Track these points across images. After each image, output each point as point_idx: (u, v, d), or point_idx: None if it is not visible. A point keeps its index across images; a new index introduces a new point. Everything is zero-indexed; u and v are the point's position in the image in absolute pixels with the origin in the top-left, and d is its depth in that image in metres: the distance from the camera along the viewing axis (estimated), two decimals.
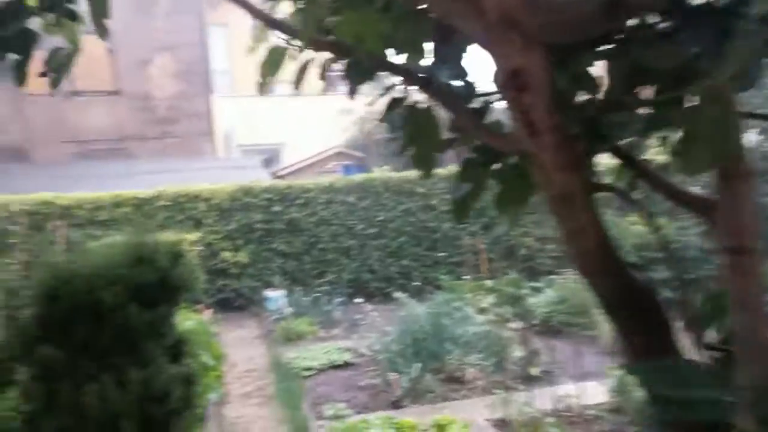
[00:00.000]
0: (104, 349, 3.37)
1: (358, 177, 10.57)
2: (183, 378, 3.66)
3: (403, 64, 1.98)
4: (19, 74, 3.11)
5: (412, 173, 10.09)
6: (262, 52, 2.14)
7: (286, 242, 9.63)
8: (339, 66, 2.07)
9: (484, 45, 1.48)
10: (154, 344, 3.63)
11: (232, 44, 21.28)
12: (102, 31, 3.22)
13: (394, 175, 10.42)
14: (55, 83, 3.17)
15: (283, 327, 7.38)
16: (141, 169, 13.36)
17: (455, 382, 5.31)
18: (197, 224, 9.34)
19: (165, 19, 16.97)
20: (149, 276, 3.67)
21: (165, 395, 3.44)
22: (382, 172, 10.99)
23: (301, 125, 20.09)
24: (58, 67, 3.13)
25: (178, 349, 3.82)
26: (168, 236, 4.22)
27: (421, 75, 1.93)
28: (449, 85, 1.92)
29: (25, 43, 3.02)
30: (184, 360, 3.81)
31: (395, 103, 2.08)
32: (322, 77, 2.14)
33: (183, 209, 9.44)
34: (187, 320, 4.43)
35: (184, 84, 17.50)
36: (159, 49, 16.96)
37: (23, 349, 3.18)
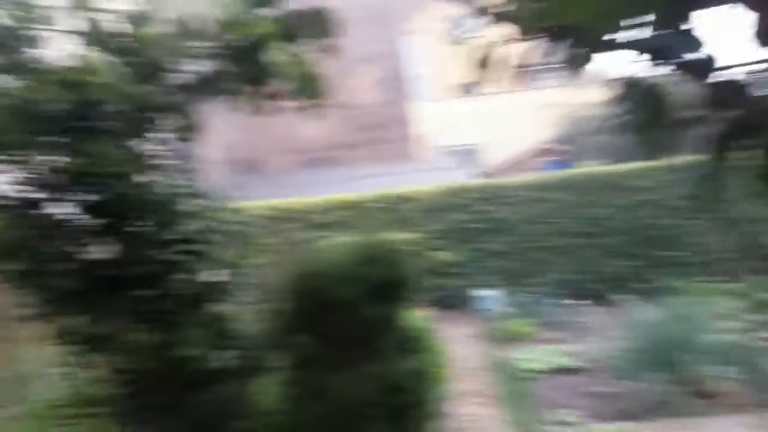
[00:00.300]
0: (345, 343, 3.54)
1: (567, 173, 10.08)
2: (413, 373, 3.72)
3: (635, 40, 1.78)
4: (255, 104, 3.37)
5: (626, 167, 9.38)
6: (463, 54, 2.06)
7: (495, 241, 9.49)
8: (537, 59, 1.93)
9: (756, 8, 1.26)
10: (385, 339, 3.73)
11: (429, 50, 21.75)
12: (330, 50, 3.38)
13: (606, 169, 9.76)
14: (299, 103, 3.37)
15: (499, 327, 7.26)
16: (352, 174, 14.15)
17: (700, 395, 4.74)
18: (407, 225, 9.58)
19: (364, 31, 17.82)
20: (379, 274, 3.77)
21: (398, 388, 3.52)
22: (591, 167, 10.38)
23: (500, 123, 19.90)
24: (303, 89, 3.34)
25: (407, 345, 3.89)
26: (392, 237, 4.33)
27: (657, 50, 1.71)
28: (685, 58, 1.70)
29: (265, 74, 3.28)
30: (414, 356, 3.86)
31: (629, 83, 1.88)
32: (520, 72, 2.02)
33: (393, 211, 9.78)
34: (411, 318, 4.52)
35: (386, 92, 18.25)
36: (361, 60, 17.87)
37: (280, 339, 3.46)
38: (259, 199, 9.46)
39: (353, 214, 9.71)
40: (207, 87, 3.12)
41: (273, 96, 3.34)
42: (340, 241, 4.39)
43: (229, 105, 3.27)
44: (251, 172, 16.57)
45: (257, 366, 3.59)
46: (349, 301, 3.48)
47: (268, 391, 3.56)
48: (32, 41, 2.64)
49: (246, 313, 3.75)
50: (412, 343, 3.89)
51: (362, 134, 17.68)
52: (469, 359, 6.58)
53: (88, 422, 3.35)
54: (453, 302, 9.09)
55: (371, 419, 3.19)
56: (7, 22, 2.55)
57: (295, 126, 17.08)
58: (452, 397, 5.09)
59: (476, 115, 20.26)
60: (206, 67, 3.08)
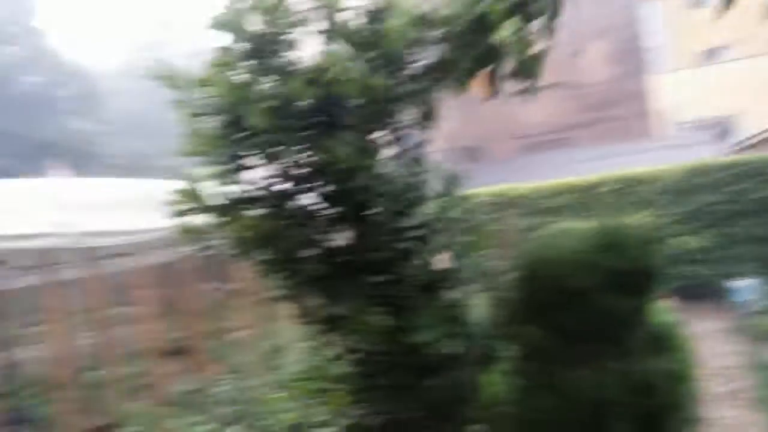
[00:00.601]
0: (581, 335, 3.32)
1: None
2: (666, 373, 3.36)
3: None
4: (484, 88, 3.26)
5: None
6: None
7: (753, 225, 8.30)
8: None
9: None
10: (631, 334, 3.43)
11: (668, 17, 19.74)
12: (551, 32, 3.16)
13: None
14: (529, 87, 3.20)
15: (757, 322, 6.35)
16: (581, 156, 13.46)
17: None
18: (646, 208, 8.83)
19: (596, 6, 16.73)
20: (620, 262, 3.47)
21: (649, 389, 3.20)
22: None
23: (756, 91, 17.32)
24: (530, 71, 3.18)
25: (657, 342, 3.53)
26: (633, 221, 3.96)
27: None
28: None
29: (494, 56, 3.17)
30: (664, 354, 3.49)
31: None
32: None
33: (629, 193, 9.08)
34: (657, 311, 4.10)
35: (618, 67, 17.00)
36: (591, 37, 16.84)
37: (509, 328, 3.37)
38: (483, 186, 9.45)
39: (584, 197, 9.24)
40: (437, 74, 3.12)
41: (500, 78, 3.22)
42: (574, 227, 4.13)
43: (458, 91, 3.23)
44: (475, 159, 16.66)
45: (486, 354, 3.55)
46: (587, 290, 3.25)
47: (495, 380, 3.49)
48: (287, 44, 2.87)
49: (476, 300, 3.72)
50: (662, 340, 3.52)
51: (593, 113, 16.71)
52: (722, 358, 5.86)
53: (328, 395, 3.60)
54: (700, 293, 8.19)
55: (616, 420, 2.95)
56: (264, 28, 2.80)
57: (519, 109, 16.75)
58: (707, 400, 4.55)
59: (726, 84, 17.88)
60: (436, 54, 3.08)
